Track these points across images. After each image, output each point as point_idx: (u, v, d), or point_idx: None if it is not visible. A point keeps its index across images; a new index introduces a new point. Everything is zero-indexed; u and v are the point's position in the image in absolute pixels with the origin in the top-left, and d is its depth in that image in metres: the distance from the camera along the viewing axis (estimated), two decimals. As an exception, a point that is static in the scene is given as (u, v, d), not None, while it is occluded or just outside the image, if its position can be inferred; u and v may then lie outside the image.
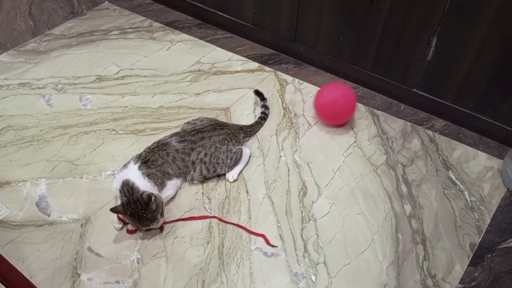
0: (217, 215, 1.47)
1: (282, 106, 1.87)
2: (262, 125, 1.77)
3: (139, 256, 1.36)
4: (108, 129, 1.74)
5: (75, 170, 1.60)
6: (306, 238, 1.41)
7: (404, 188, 1.57)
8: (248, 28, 2.15)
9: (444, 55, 1.67)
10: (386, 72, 1.86)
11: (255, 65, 2.07)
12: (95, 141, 1.70)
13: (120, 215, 1.40)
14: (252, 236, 1.42)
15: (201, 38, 2.20)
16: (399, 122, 1.81)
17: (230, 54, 2.12)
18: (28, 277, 1.27)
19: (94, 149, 1.67)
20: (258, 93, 1.87)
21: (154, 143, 1.54)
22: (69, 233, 1.42)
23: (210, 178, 1.58)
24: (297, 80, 2.00)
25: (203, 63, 2.06)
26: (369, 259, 1.37)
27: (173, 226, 1.44)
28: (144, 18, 2.33)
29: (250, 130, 1.72)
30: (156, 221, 1.36)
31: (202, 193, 1.54)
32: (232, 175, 1.57)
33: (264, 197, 1.53)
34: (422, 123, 1.81)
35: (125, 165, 1.49)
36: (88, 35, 2.21)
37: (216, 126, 1.60)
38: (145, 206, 1.33)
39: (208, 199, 1.52)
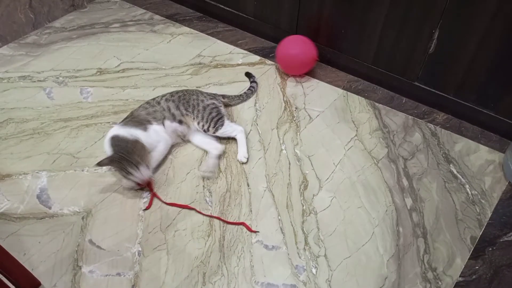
0: (192, 206, 1.48)
1: (283, 99, 1.86)
2: (248, 96, 1.86)
3: (140, 249, 1.36)
4: (109, 122, 1.74)
5: (76, 163, 1.60)
6: (307, 231, 1.41)
7: (405, 182, 1.56)
8: (249, 21, 2.14)
9: (446, 48, 1.66)
10: (388, 65, 1.85)
11: (256, 58, 2.06)
12: (96, 134, 1.69)
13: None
14: (253, 229, 1.42)
15: (202, 31, 2.19)
16: (400, 116, 1.80)
17: (231, 47, 2.11)
18: (29, 269, 1.27)
19: (95, 142, 1.67)
20: (248, 74, 1.95)
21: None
22: (70, 225, 1.42)
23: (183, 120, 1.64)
24: (298, 73, 1.99)
25: (204, 56, 2.06)
26: (370, 252, 1.37)
27: (173, 219, 1.44)
28: (144, 10, 2.31)
29: (232, 97, 1.81)
30: (139, 167, 1.43)
31: (203, 186, 1.54)
32: (242, 155, 1.62)
33: (265, 190, 1.53)
34: (424, 116, 1.81)
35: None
36: (89, 28, 2.20)
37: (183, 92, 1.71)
38: (129, 146, 1.44)
39: (209, 192, 1.52)
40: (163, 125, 1.59)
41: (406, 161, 1.63)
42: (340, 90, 1.91)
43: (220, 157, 1.63)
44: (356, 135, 1.72)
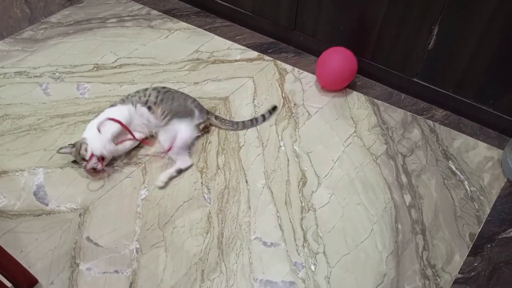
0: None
1: (282, 95, 1.85)
2: (245, 126, 1.72)
3: (138, 246, 1.36)
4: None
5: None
6: (305, 228, 1.41)
7: (404, 178, 1.56)
8: (247, 16, 2.13)
9: (445, 44, 1.65)
10: (387, 61, 1.85)
11: (255, 54, 2.05)
12: (93, 131, 1.68)
13: None
14: (252, 226, 1.41)
15: (199, 27, 2.18)
16: (399, 112, 1.80)
17: (229, 42, 2.10)
18: (26, 266, 1.26)
19: (92, 139, 1.65)
20: (274, 108, 1.78)
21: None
22: (67, 222, 1.41)
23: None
24: (296, 69, 1.98)
25: (202, 52, 2.04)
26: (369, 249, 1.37)
27: (171, 216, 1.43)
28: (141, 6, 2.30)
29: (226, 121, 1.70)
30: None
31: (201, 182, 1.53)
32: (160, 179, 1.53)
33: (263, 187, 1.52)
34: (423, 113, 1.80)
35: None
36: (85, 23, 2.18)
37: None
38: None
39: (208, 189, 1.51)
40: (135, 107, 1.61)
41: (405, 158, 1.63)
42: (339, 86, 1.90)
43: (181, 173, 1.56)
44: (354, 132, 1.71)
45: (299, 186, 1.53)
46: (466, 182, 1.56)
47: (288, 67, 1.98)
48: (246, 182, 1.54)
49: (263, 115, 1.73)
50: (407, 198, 1.50)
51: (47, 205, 1.46)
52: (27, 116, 1.73)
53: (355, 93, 1.87)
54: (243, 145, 1.65)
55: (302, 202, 1.48)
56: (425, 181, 1.56)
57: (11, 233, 1.38)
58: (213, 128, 1.70)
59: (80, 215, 1.43)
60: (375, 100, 1.84)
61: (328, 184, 1.53)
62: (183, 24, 2.19)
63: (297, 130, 1.71)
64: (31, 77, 1.89)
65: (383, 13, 1.71)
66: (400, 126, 1.74)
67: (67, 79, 1.89)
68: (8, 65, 1.94)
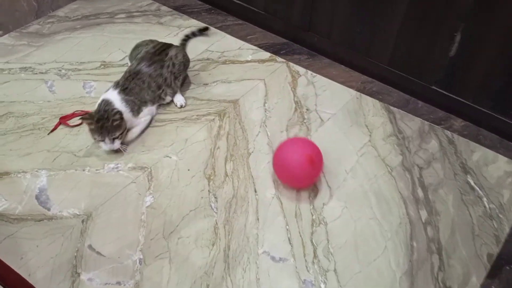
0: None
1: (294, 100, 1.79)
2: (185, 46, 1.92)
3: (141, 256, 1.31)
4: (112, 119, 1.67)
5: (77, 162, 1.54)
6: (316, 243, 1.35)
7: (420, 193, 1.49)
8: (260, 15, 2.06)
9: (466, 52, 1.57)
10: (404, 67, 1.77)
11: (267, 55, 1.98)
12: (98, 132, 1.63)
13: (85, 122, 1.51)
14: (260, 239, 1.35)
15: (210, 24, 2.11)
16: (416, 121, 1.73)
17: (241, 42, 2.03)
18: (26, 275, 1.22)
19: (97, 141, 1.60)
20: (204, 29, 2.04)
21: (125, 72, 1.65)
22: (69, 229, 1.36)
23: (176, 91, 1.74)
24: (310, 72, 1.91)
25: (212, 51, 1.98)
26: (382, 267, 1.31)
27: (177, 226, 1.38)
28: (151, 1, 2.23)
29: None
30: (111, 137, 1.47)
31: (209, 191, 1.48)
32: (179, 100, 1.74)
33: (273, 197, 1.46)
34: (441, 122, 1.73)
35: (105, 91, 1.59)
36: (93, 18, 2.12)
37: (168, 44, 1.75)
38: (110, 117, 1.45)
39: (215, 198, 1.46)
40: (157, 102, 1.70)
41: (421, 170, 1.56)
42: (353, 92, 1.83)
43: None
44: (369, 141, 1.64)
45: (310, 198, 1.47)
46: (485, 199, 1.49)
47: (301, 70, 1.92)
48: (255, 191, 1.48)
49: (193, 32, 1.97)
50: (423, 214, 1.44)
51: (49, 209, 1.41)
52: (31, 114, 1.68)
53: (370, 99, 1.80)
54: (252, 152, 1.59)
55: (313, 215, 1.42)
56: (442, 196, 1.49)
57: (12, 238, 1.34)
58: (222, 132, 1.65)
59: (83, 221, 1.38)
60: (391, 107, 1.77)
61: (340, 196, 1.47)
62: (194, 22, 2.12)
63: (309, 137, 1.65)
64: (36, 73, 1.84)
65: (402, 17, 1.64)
66: (417, 136, 1.67)
67: (73, 77, 1.83)
68: (14, 60, 1.89)
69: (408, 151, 1.62)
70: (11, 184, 1.47)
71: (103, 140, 1.47)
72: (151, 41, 1.76)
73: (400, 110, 1.76)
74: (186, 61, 1.76)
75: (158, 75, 1.65)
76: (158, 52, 1.68)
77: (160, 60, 1.66)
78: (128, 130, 1.57)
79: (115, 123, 1.46)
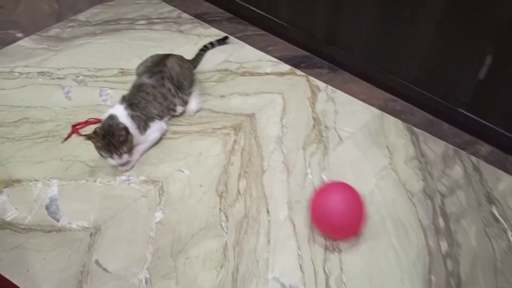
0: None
1: (312, 116, 1.73)
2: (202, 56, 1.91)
3: (147, 276, 1.27)
4: (126, 129, 1.65)
5: (89, 172, 1.52)
6: (328, 272, 1.30)
7: (441, 222, 1.42)
8: (282, 26, 2.01)
9: (497, 75, 1.49)
10: (430, 87, 1.70)
11: (286, 67, 1.93)
12: (111, 142, 1.61)
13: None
14: (270, 264, 1.30)
15: (230, 34, 2.07)
16: (440, 144, 1.65)
17: (260, 53, 1.98)
18: (31, 288, 1.20)
19: (110, 151, 1.58)
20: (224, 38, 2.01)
21: (131, 87, 1.62)
22: (77, 242, 1.34)
23: (186, 100, 1.71)
24: (330, 87, 1.85)
25: (231, 62, 1.94)
26: (397, 301, 1.25)
27: (185, 244, 1.34)
28: (172, 8, 2.20)
29: (193, 63, 1.84)
30: (119, 152, 1.44)
31: (220, 209, 1.43)
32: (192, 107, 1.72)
33: (285, 219, 1.41)
34: (466, 147, 1.65)
35: (112, 106, 1.56)
36: (114, 24, 2.11)
37: (167, 54, 1.72)
38: (115, 133, 1.42)
39: (226, 216, 1.41)
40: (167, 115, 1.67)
41: (444, 198, 1.48)
42: (375, 110, 1.76)
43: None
44: (390, 163, 1.58)
45: (325, 222, 1.41)
46: (509, 232, 1.41)
47: (321, 85, 1.86)
48: (267, 212, 1.43)
49: (211, 43, 1.96)
50: (444, 246, 1.36)
51: (58, 220, 1.39)
52: (46, 121, 1.67)
53: (392, 118, 1.73)
54: (267, 170, 1.55)
55: (326, 241, 1.36)
56: (465, 227, 1.41)
57: (20, 249, 1.32)
58: (237, 148, 1.60)
59: (91, 234, 1.36)
60: (414, 129, 1.70)
61: (356, 222, 1.41)
62: (214, 31, 2.08)
63: (326, 156, 1.59)
64: (54, 78, 1.83)
65: (431, 36, 1.56)
66: (440, 160, 1.59)
67: (90, 83, 1.82)
68: (32, 64, 1.89)
69: (431, 177, 1.54)
70: (22, 192, 1.46)
71: (111, 157, 1.45)
72: (152, 56, 1.73)
73: (423, 131, 1.69)
74: (185, 71, 1.70)
75: (160, 85, 1.61)
76: (156, 63, 1.66)
77: (160, 71, 1.63)
78: (134, 147, 1.53)
79: (121, 138, 1.43)
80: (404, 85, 1.75)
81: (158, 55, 1.72)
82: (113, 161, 1.46)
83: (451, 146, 1.64)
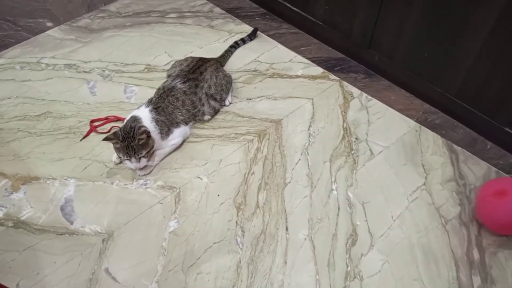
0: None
1: (343, 125, 1.62)
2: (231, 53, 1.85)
3: (156, 289, 1.23)
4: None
5: (107, 173, 1.48)
6: (347, 302, 1.21)
7: (475, 254, 1.29)
8: (317, 25, 1.89)
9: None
10: (475, 102, 1.54)
11: (319, 70, 1.82)
12: (131, 143, 1.56)
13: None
14: (285, 286, 1.22)
15: (263, 31, 1.97)
16: (482, 165, 1.50)
17: (293, 54, 1.88)
18: (39, 293, 1.18)
19: (129, 152, 1.53)
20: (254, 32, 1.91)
21: (159, 89, 1.57)
22: (89, 247, 1.31)
23: (218, 110, 1.65)
24: (365, 94, 1.73)
25: (261, 62, 1.84)
26: None
27: (198, 259, 1.28)
28: (205, 1, 2.12)
29: (222, 61, 1.78)
30: (138, 156, 1.39)
31: (236, 222, 1.36)
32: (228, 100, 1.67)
33: (305, 239, 1.32)
34: (510, 170, 1.49)
35: (137, 108, 1.51)
36: (144, 16, 2.05)
37: (203, 60, 1.66)
38: (136, 136, 1.37)
39: (242, 231, 1.34)
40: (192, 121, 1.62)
41: (481, 227, 1.35)
42: (412, 122, 1.63)
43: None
44: (424, 184, 1.45)
45: (347, 245, 1.31)
46: (556, 272, 1.26)
47: (355, 91, 1.74)
48: (286, 229, 1.35)
49: (243, 39, 1.88)
50: (476, 281, 1.24)
51: (72, 223, 1.36)
52: (68, 116, 1.64)
53: (431, 133, 1.60)
54: (289, 182, 1.46)
55: (348, 266, 1.27)
56: (501, 261, 1.28)
57: (31, 250, 1.30)
58: (259, 156, 1.52)
59: (103, 240, 1.32)
60: (455, 146, 1.55)
61: (382, 248, 1.30)
62: (246, 27, 1.99)
63: (355, 172, 1.48)
64: (80, 71, 1.80)
65: (478, 49, 1.41)
66: (481, 183, 1.45)
67: (115, 79, 1.77)
68: (59, 56, 1.86)
69: (469, 202, 1.41)
70: (39, 190, 1.44)
71: (129, 160, 1.40)
72: (186, 59, 1.67)
73: (464, 150, 1.54)
74: (221, 81, 1.62)
75: (192, 93, 1.55)
76: (192, 69, 1.59)
77: (195, 79, 1.57)
78: (154, 151, 1.48)
79: (141, 142, 1.38)
80: (446, 97, 1.61)
81: (194, 59, 1.66)
82: (131, 164, 1.42)
83: (493, 168, 1.49)
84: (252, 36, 1.90)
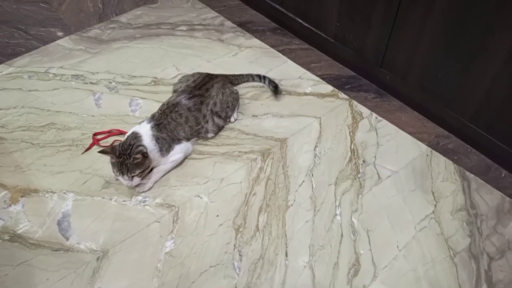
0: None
1: (350, 147, 1.56)
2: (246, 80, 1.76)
3: (148, 313, 1.19)
4: (149, 145, 1.57)
5: (106, 188, 1.46)
6: (345, 337, 1.15)
7: (486, 291, 1.22)
8: (328, 42, 1.84)
9: None
10: (490, 128, 1.47)
11: (329, 88, 1.77)
12: (133, 158, 1.54)
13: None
14: (281, 317, 1.17)
15: (273, 46, 1.93)
16: (495, 195, 1.43)
17: (302, 70, 1.83)
18: (29, 312, 1.15)
19: (130, 167, 1.51)
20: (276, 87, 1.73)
21: (163, 104, 1.54)
22: (83, 265, 1.28)
23: (222, 127, 1.61)
24: (375, 115, 1.67)
25: (270, 78, 1.80)
26: None
27: (193, 282, 1.24)
28: (216, 14, 2.10)
29: (234, 79, 1.72)
30: (130, 174, 1.35)
31: (234, 245, 1.32)
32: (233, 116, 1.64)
33: (305, 267, 1.27)
34: (527, 201, 1.42)
35: (139, 123, 1.49)
36: (154, 28, 2.04)
37: (210, 76, 1.63)
38: (132, 154, 1.34)
39: (239, 255, 1.30)
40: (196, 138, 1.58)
41: (491, 261, 1.28)
42: (424, 146, 1.57)
43: None
44: (433, 212, 1.38)
45: (349, 275, 1.25)
46: None
47: (365, 111, 1.68)
48: (286, 255, 1.29)
49: (265, 78, 1.74)
50: (486, 321, 1.17)
51: (67, 239, 1.34)
52: (72, 128, 1.63)
53: (442, 158, 1.53)
54: (291, 205, 1.41)
55: (348, 298, 1.21)
56: (515, 301, 1.21)
57: (26, 265, 1.28)
58: (262, 176, 1.48)
59: (98, 258, 1.29)
60: (467, 173, 1.48)
61: (386, 279, 1.24)
62: (256, 42, 1.95)
63: (360, 196, 1.43)
64: (87, 83, 1.79)
65: (497, 70, 1.34)
66: (493, 214, 1.38)
67: (121, 91, 1.76)
68: (68, 66, 1.86)
69: (479, 234, 1.33)
70: (38, 203, 1.42)
71: (121, 176, 1.37)
72: (193, 75, 1.64)
73: (477, 177, 1.47)
74: (228, 98, 1.59)
75: (197, 110, 1.52)
76: (198, 86, 1.56)
77: (201, 95, 1.54)
78: (153, 168, 1.45)
79: (135, 161, 1.35)
80: (460, 122, 1.54)
81: (201, 75, 1.63)
82: (123, 181, 1.39)
83: (507, 199, 1.42)
84: (272, 87, 1.72)
